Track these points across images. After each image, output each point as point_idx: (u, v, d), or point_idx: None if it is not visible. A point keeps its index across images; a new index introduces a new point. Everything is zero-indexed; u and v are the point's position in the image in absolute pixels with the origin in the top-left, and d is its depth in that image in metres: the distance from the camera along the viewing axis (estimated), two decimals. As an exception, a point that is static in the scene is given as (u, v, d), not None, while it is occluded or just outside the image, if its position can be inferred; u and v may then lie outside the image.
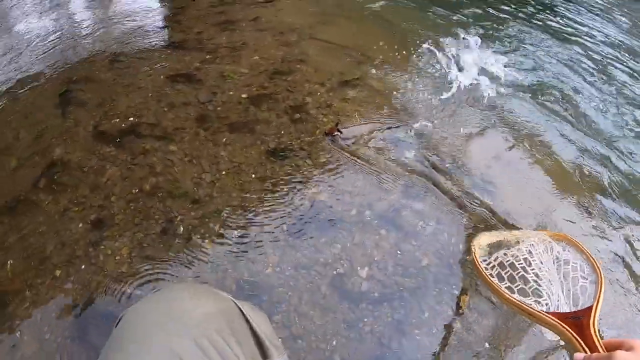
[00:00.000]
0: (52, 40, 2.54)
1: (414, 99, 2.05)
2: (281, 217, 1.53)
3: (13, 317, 1.43)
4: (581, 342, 0.76)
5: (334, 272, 1.41)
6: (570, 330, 0.82)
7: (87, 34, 2.56)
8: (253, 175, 1.64)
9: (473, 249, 1.16)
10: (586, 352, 0.73)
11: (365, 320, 1.31)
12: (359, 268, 1.42)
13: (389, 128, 1.87)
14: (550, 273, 1.16)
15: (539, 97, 2.24)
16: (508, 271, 1.19)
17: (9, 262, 1.57)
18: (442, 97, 2.08)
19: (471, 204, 1.63)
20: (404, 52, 2.36)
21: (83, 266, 1.50)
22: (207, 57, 2.22)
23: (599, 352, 0.71)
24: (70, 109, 2.05)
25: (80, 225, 1.59)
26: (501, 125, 2.02)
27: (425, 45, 2.38)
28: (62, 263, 1.52)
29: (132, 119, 1.90)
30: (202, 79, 2.07)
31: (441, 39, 2.48)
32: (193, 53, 2.26)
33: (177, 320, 0.61)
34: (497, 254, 1.20)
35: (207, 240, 1.48)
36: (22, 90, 2.24)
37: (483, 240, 1.21)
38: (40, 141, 1.92)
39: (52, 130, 1.96)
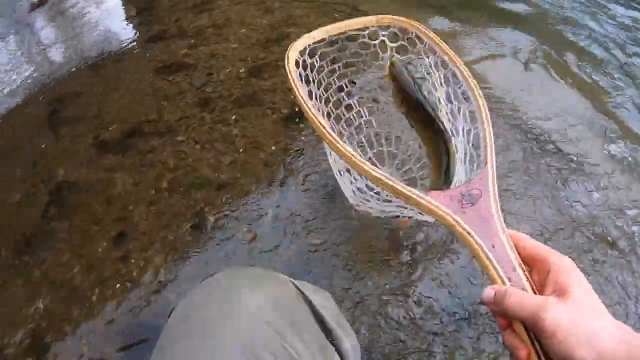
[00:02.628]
0: (25, 67, 2.38)
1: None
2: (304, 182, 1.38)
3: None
4: (493, 260, 0.45)
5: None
6: (465, 228, 0.48)
7: (60, 50, 2.41)
8: (273, 147, 1.49)
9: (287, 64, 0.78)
10: (502, 281, 0.44)
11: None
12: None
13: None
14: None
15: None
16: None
17: (40, 303, 1.43)
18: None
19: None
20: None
21: (117, 285, 1.36)
22: (193, 41, 2.05)
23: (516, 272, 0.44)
24: (64, 129, 1.89)
25: (105, 244, 1.45)
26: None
27: None
28: (93, 287, 1.38)
29: (130, 121, 1.75)
30: (194, 63, 1.90)
31: None
32: (177, 41, 2.09)
33: (231, 318, 0.54)
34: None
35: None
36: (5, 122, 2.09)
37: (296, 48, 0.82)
38: (38, 168, 1.77)
39: (48, 153, 1.81)
